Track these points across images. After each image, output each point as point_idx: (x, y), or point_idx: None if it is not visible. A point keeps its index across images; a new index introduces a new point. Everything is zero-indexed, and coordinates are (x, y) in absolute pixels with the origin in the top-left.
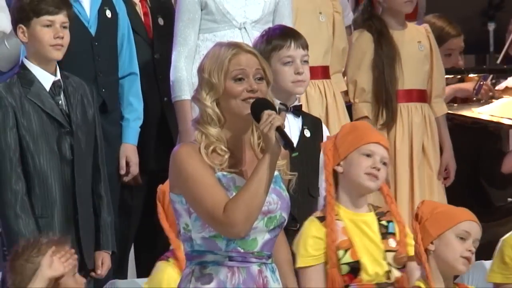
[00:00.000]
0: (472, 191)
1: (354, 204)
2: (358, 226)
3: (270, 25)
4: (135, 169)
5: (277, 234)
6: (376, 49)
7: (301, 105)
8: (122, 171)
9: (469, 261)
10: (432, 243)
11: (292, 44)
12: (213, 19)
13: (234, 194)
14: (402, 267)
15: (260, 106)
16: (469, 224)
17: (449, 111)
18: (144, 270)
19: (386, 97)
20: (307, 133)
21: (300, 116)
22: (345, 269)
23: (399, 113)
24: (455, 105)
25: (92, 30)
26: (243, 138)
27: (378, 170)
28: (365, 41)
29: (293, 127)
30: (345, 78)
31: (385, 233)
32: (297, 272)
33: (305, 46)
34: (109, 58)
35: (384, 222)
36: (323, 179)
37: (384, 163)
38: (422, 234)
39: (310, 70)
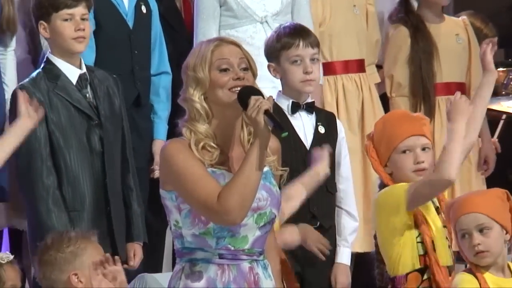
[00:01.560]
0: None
1: None
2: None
3: (289, 16)
4: None
5: (268, 230)
6: (413, 44)
7: (313, 102)
8: (156, 167)
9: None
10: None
11: (301, 43)
12: (234, 15)
13: None
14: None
15: (246, 93)
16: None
17: None
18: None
19: (423, 92)
20: (322, 130)
21: (314, 113)
22: (420, 249)
23: (437, 106)
24: None
25: (130, 23)
26: (232, 134)
27: (423, 162)
28: (401, 35)
29: (307, 124)
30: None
31: (437, 208)
32: None
33: (315, 45)
34: (144, 53)
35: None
36: (340, 174)
37: (424, 149)
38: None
39: (347, 64)
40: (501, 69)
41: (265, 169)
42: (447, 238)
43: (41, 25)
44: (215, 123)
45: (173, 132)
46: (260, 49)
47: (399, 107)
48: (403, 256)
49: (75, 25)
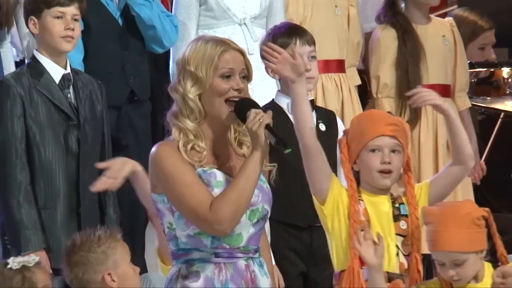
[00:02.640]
0: (505, 184)
1: (375, 192)
2: (376, 208)
3: (265, 20)
4: None
5: (262, 227)
6: (400, 46)
7: (313, 100)
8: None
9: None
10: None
11: (298, 42)
12: (213, 15)
13: (215, 189)
14: (408, 255)
15: (245, 105)
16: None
17: (482, 104)
18: None
19: (409, 89)
20: (322, 127)
21: (314, 111)
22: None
23: (424, 108)
24: (488, 98)
25: (120, 21)
26: (221, 134)
27: (389, 163)
28: (389, 37)
29: None
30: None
31: (398, 215)
32: None
33: (312, 42)
34: (137, 48)
35: (396, 204)
36: (341, 172)
37: (394, 151)
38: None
39: (326, 64)
40: (505, 68)
41: None
42: (397, 246)
43: (31, 20)
44: (205, 123)
45: (155, 129)
46: None
47: (384, 108)
48: (338, 252)
49: (65, 24)
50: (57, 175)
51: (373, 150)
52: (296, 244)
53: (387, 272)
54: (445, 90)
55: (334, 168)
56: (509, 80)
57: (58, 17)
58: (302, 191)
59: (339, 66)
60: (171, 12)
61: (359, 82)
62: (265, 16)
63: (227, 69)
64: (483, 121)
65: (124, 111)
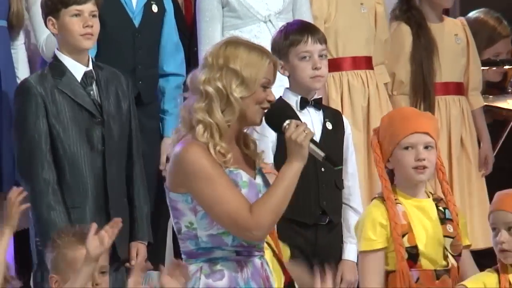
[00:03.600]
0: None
1: (413, 193)
2: (418, 211)
3: (291, 14)
4: None
5: None
6: (415, 41)
7: (321, 98)
8: (162, 167)
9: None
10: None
11: (310, 39)
12: (237, 15)
13: (242, 190)
14: (458, 255)
15: (281, 112)
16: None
17: (485, 103)
18: None
19: (424, 89)
20: (329, 126)
21: (321, 109)
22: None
23: (437, 106)
24: (490, 97)
25: (136, 22)
26: (238, 134)
27: (424, 159)
28: (403, 33)
29: (315, 120)
30: None
31: (443, 219)
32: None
33: (323, 41)
34: (150, 51)
35: (441, 208)
36: (346, 170)
37: (427, 147)
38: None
39: (354, 60)
40: (508, 66)
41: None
42: (445, 247)
43: (49, 21)
44: (232, 124)
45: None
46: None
47: (400, 105)
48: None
49: (84, 22)
50: (84, 173)
51: (407, 148)
52: (301, 242)
53: (435, 270)
54: (458, 88)
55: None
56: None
57: (76, 15)
58: (309, 189)
59: (367, 62)
60: (194, 15)
61: (388, 79)
62: (290, 10)
63: (267, 80)
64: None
65: None
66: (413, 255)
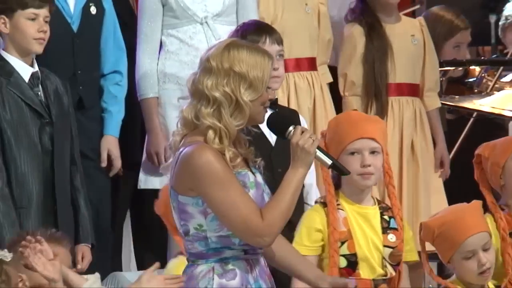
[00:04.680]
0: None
1: (358, 198)
2: (360, 219)
3: (234, 16)
4: (118, 162)
5: None
6: (367, 43)
7: (277, 99)
8: (103, 164)
9: (486, 272)
10: (449, 262)
11: (268, 40)
12: (175, 15)
13: (250, 190)
14: (397, 264)
15: (285, 117)
16: (471, 240)
17: (451, 103)
18: (143, 263)
19: (375, 90)
20: None
21: (277, 110)
22: (342, 262)
23: (390, 106)
24: (456, 97)
25: (75, 27)
26: (239, 134)
27: (369, 166)
28: (356, 34)
29: None
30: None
31: (386, 228)
32: None
33: (280, 41)
34: (90, 56)
35: (386, 217)
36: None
37: (373, 152)
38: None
39: (298, 62)
40: (473, 67)
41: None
42: (384, 258)
43: (0, 20)
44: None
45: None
46: (198, 50)
47: (351, 106)
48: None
49: (39, 26)
50: (31, 174)
51: (353, 153)
52: None
53: (373, 280)
54: (413, 89)
55: None
56: (477, 79)
57: (32, 19)
58: None
59: (310, 64)
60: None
61: (330, 79)
62: (231, 13)
63: (271, 80)
64: (454, 121)
65: (75, 116)
66: (352, 262)
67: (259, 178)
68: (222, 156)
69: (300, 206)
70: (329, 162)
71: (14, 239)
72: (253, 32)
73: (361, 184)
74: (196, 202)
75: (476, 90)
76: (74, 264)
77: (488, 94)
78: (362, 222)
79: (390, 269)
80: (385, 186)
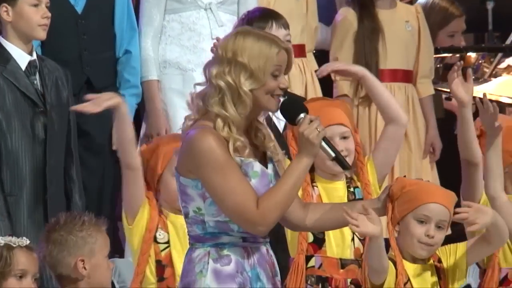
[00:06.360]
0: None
1: (331, 177)
2: (330, 195)
3: (235, 6)
4: None
5: None
6: (359, 24)
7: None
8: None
9: (429, 246)
10: (398, 223)
11: (274, 25)
12: (178, 0)
13: (252, 180)
14: (363, 239)
15: (295, 105)
16: (431, 206)
17: (447, 90)
18: None
19: None
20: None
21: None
22: (309, 237)
23: None
24: None
25: (79, 8)
26: (249, 123)
27: (342, 151)
28: (349, 18)
29: None
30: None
31: (353, 200)
32: None
33: (287, 26)
34: (98, 36)
35: (351, 189)
36: None
37: (344, 137)
38: (392, 214)
39: None
40: (469, 54)
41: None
42: (352, 231)
43: (3, 7)
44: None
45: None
46: (201, 36)
47: (342, 90)
48: (292, 240)
49: (42, 12)
50: (22, 162)
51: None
52: None
53: (341, 259)
54: (406, 76)
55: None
56: (475, 66)
57: (34, 5)
58: None
59: (301, 50)
60: None
61: (316, 67)
62: (233, 2)
63: (277, 67)
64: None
65: (81, 98)
66: (319, 239)
67: (271, 169)
68: (227, 144)
69: None
70: (333, 154)
71: (53, 225)
72: (259, 19)
73: (335, 170)
74: (196, 185)
75: (473, 77)
76: None
77: (485, 81)
78: (332, 198)
79: (357, 243)
80: (355, 164)
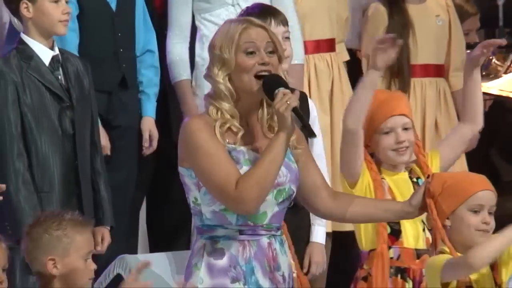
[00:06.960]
0: (482, 165)
1: (394, 169)
2: (398, 185)
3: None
4: (156, 142)
5: (286, 206)
6: (389, 20)
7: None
8: (146, 144)
9: (486, 232)
10: (448, 218)
11: (273, 22)
12: (205, 0)
13: (244, 168)
14: (431, 229)
15: (273, 83)
16: (481, 194)
17: None
18: (157, 245)
19: (398, 69)
20: None
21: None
22: (387, 228)
23: (413, 88)
24: None
25: (113, 6)
26: (253, 112)
27: (404, 141)
28: (379, 14)
29: None
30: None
31: None
32: None
33: (286, 23)
34: (129, 34)
35: (415, 179)
36: (313, 153)
37: (406, 128)
38: (437, 210)
39: (318, 44)
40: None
41: None
42: (423, 221)
43: (23, 4)
44: (240, 102)
45: (167, 112)
46: None
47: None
48: (367, 232)
49: (63, 8)
50: (53, 158)
51: (386, 133)
52: None
53: (416, 249)
54: (438, 70)
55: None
56: (485, 62)
57: (55, 1)
58: None
59: (330, 45)
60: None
61: (347, 57)
62: None
63: (248, 44)
64: None
65: (115, 95)
66: (396, 231)
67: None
68: (217, 129)
69: None
70: (300, 125)
71: (34, 221)
72: (258, 15)
73: (397, 161)
74: (190, 174)
75: (484, 73)
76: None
77: (496, 77)
78: (401, 189)
79: (427, 234)
80: (416, 156)
